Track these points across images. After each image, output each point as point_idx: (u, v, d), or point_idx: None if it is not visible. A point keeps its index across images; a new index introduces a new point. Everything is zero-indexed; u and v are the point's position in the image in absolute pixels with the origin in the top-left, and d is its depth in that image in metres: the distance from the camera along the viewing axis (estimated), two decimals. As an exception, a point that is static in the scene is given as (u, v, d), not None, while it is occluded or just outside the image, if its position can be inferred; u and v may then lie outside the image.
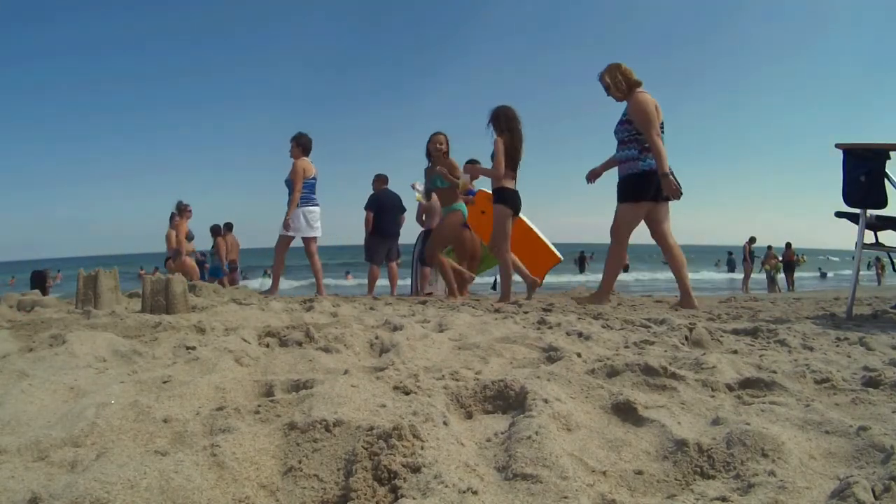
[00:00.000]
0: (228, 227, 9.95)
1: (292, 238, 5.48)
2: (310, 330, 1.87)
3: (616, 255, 3.86)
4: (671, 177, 3.45)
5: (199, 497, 0.76)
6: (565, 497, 0.75)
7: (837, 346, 2.09)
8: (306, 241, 5.51)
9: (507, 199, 4.22)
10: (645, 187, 3.60)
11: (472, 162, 5.08)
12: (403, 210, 6.62)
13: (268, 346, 1.82)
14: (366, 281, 6.71)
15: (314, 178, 5.47)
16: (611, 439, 1.00)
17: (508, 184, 4.22)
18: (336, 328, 2.03)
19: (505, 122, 4.19)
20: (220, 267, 9.49)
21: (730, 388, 1.35)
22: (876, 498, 0.75)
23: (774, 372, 1.48)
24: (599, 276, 4.06)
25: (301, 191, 5.31)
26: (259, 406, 1.08)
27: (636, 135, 3.62)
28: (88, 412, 1.02)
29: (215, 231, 9.91)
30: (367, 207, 6.37)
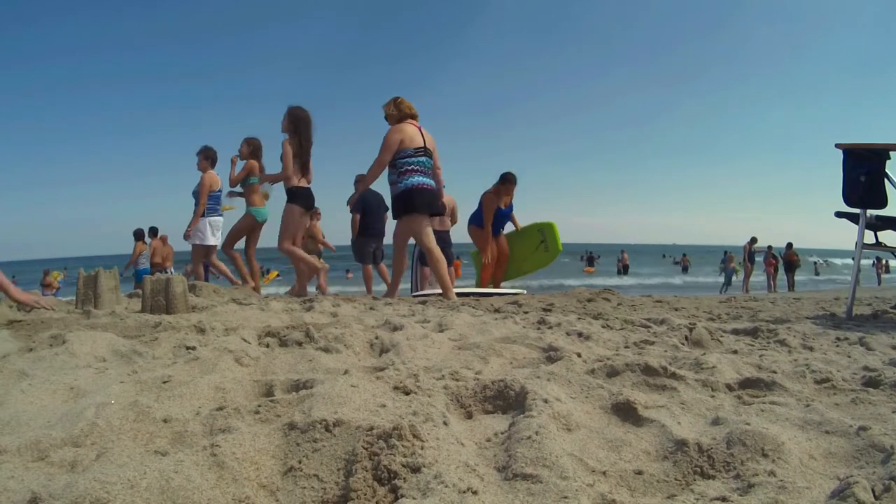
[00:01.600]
0: (153, 231, 10.09)
1: (213, 246, 5.97)
2: (310, 330, 1.87)
3: (399, 261, 4.40)
4: (353, 199, 4.43)
5: (199, 497, 0.76)
6: (565, 497, 0.75)
7: (837, 346, 2.09)
8: (207, 249, 5.96)
9: (299, 196, 4.59)
10: (410, 202, 4.11)
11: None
12: (387, 209, 6.67)
13: (268, 346, 1.82)
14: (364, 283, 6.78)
15: (219, 191, 5.91)
16: (611, 439, 1.00)
17: (301, 183, 4.55)
18: (336, 328, 2.03)
19: (299, 126, 4.50)
20: (140, 271, 9.80)
21: (730, 388, 1.35)
22: (876, 498, 0.75)
23: (774, 372, 1.48)
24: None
25: (207, 203, 5.79)
26: (259, 406, 1.08)
27: (394, 160, 4.13)
28: (88, 412, 1.02)
29: (138, 235, 10.16)
30: (352, 210, 6.42)
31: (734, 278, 16.04)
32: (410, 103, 4.23)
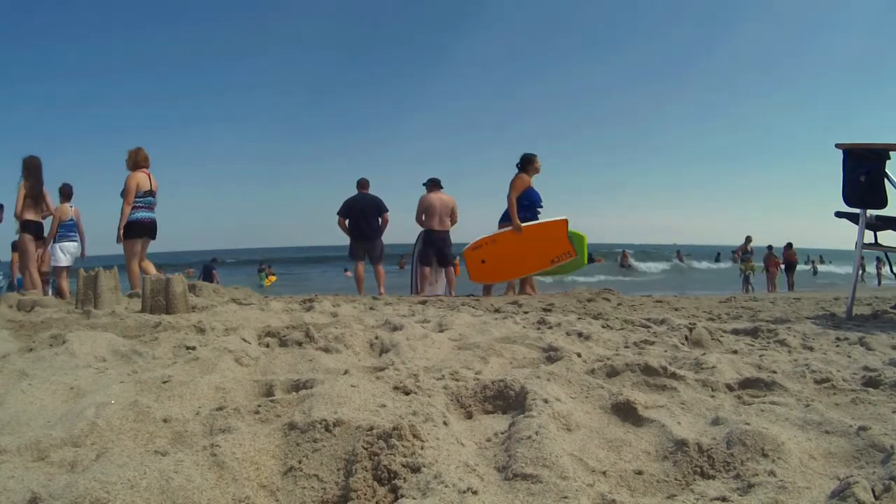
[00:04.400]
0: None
1: (66, 267, 7.02)
2: (310, 330, 1.87)
3: (134, 275, 5.59)
4: (120, 232, 5.56)
5: (199, 497, 0.76)
6: (565, 497, 0.75)
7: (837, 346, 2.09)
8: (58, 269, 6.98)
9: (29, 227, 6.00)
10: (134, 230, 5.62)
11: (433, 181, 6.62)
12: (382, 211, 6.73)
13: (268, 346, 1.82)
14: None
15: (71, 220, 6.95)
16: (611, 439, 1.00)
17: (32, 217, 5.98)
18: (336, 328, 2.03)
19: (29, 170, 5.84)
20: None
21: (730, 388, 1.35)
22: (876, 498, 0.75)
23: (774, 372, 1.48)
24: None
25: (58, 230, 6.84)
26: (259, 406, 1.08)
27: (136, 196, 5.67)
28: (88, 412, 1.02)
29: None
30: (338, 213, 6.77)
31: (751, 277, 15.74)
32: (146, 154, 5.75)
